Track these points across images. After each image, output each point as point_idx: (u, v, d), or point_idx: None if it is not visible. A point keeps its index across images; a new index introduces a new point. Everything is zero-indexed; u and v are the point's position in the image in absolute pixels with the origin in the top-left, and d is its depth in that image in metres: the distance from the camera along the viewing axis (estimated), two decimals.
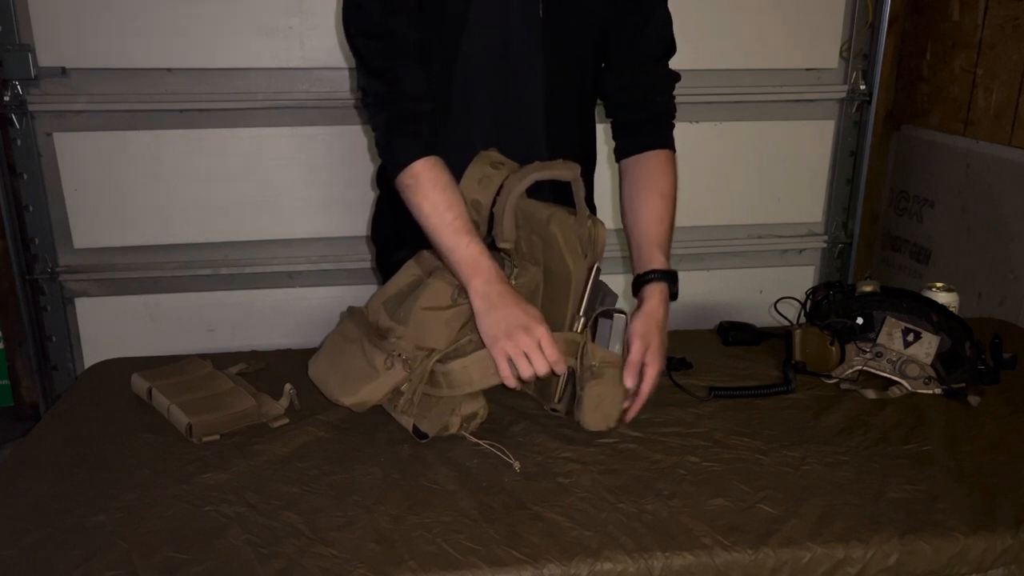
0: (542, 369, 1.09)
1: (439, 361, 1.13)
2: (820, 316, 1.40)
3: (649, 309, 1.20)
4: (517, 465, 1.09)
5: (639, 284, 1.24)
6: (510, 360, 1.09)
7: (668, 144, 1.34)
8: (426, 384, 1.14)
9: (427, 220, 1.17)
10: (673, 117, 1.36)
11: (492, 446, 1.13)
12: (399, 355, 1.11)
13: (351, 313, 1.24)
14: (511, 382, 1.11)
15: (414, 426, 1.15)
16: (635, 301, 1.24)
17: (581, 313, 1.16)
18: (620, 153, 1.36)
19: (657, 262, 1.24)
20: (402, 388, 1.14)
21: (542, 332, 1.09)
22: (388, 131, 1.21)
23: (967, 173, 2.28)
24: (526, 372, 1.09)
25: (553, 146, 1.34)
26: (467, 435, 1.15)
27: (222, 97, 2.20)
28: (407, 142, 1.20)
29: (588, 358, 1.13)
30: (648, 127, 1.34)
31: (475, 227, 1.18)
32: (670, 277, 1.24)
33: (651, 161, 1.32)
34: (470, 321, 1.14)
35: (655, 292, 1.22)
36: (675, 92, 1.37)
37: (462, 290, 1.14)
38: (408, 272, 1.23)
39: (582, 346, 1.14)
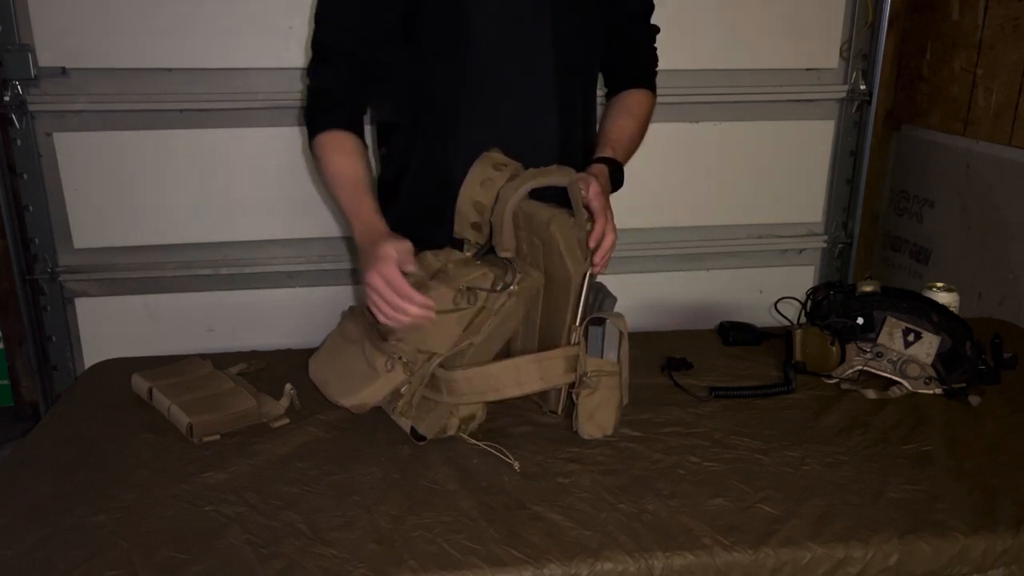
0: (394, 298, 1.09)
1: (441, 366, 1.13)
2: (820, 316, 1.40)
3: (596, 170, 1.25)
4: (517, 465, 1.09)
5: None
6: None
7: (648, 86, 1.48)
8: (425, 387, 1.14)
9: (329, 183, 1.31)
10: (655, 66, 1.51)
11: (491, 447, 1.13)
12: (400, 358, 1.11)
13: (352, 312, 1.24)
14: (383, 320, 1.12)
15: (412, 428, 1.15)
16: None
17: (577, 323, 1.15)
18: (609, 95, 1.50)
19: (602, 152, 1.33)
20: (402, 390, 1.14)
21: (392, 257, 1.11)
22: (309, 109, 1.35)
23: (967, 173, 2.28)
24: (380, 317, 1.11)
25: (563, 130, 1.37)
26: (465, 436, 1.15)
27: (222, 97, 2.20)
28: (320, 118, 1.33)
29: (581, 367, 1.14)
30: (632, 75, 1.48)
31: (371, 187, 1.27)
32: (611, 162, 1.30)
33: (629, 93, 1.46)
34: (472, 325, 1.14)
35: (594, 167, 1.28)
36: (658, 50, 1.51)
37: (464, 294, 1.14)
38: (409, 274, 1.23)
39: (577, 352, 1.14)
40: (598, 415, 1.16)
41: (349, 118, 1.34)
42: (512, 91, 1.34)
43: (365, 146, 1.34)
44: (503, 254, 1.19)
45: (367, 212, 1.23)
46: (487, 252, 1.24)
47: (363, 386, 1.12)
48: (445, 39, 1.30)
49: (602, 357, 1.15)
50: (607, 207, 1.18)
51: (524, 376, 1.13)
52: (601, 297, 1.21)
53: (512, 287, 1.15)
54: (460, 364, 1.13)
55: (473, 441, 1.14)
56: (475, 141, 1.29)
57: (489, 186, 1.21)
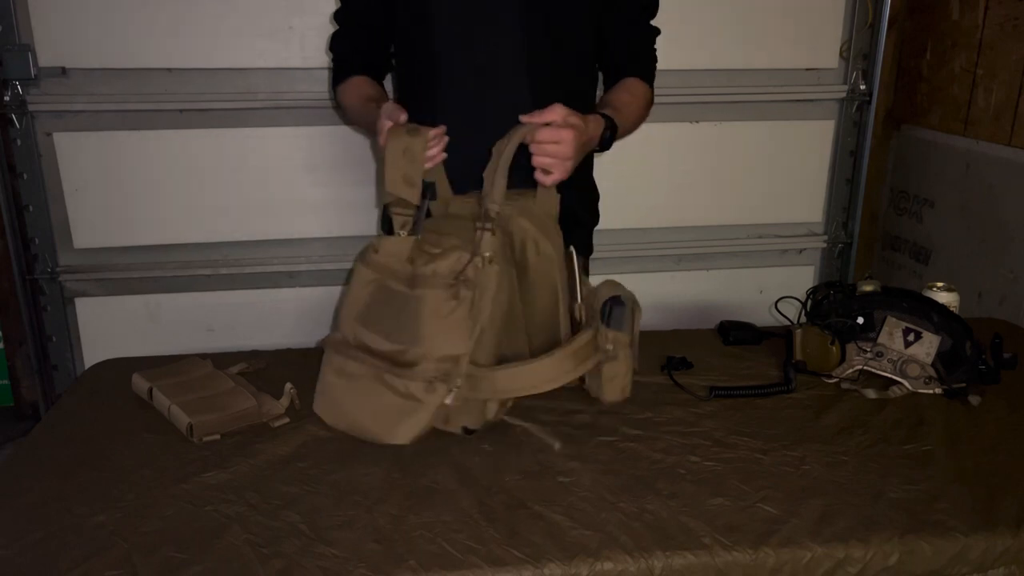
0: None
1: (476, 364, 1.13)
2: (820, 316, 1.40)
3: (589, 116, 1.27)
4: (557, 445, 1.13)
5: None
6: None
7: (647, 78, 1.50)
8: (467, 388, 1.14)
9: (352, 115, 1.48)
10: (654, 64, 1.53)
11: (532, 427, 1.17)
12: (435, 377, 1.12)
13: (333, 349, 1.20)
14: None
15: (463, 427, 1.16)
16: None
17: (581, 300, 1.22)
18: (607, 87, 1.51)
19: (600, 110, 1.34)
20: (447, 401, 1.13)
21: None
22: (333, 74, 1.51)
23: (967, 173, 2.28)
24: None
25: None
26: (507, 418, 1.19)
27: (222, 97, 2.20)
28: (339, 74, 1.49)
29: (603, 342, 1.21)
30: (631, 70, 1.49)
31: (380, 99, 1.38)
32: (608, 119, 1.32)
33: (623, 80, 1.48)
34: (473, 310, 1.13)
35: (588, 115, 1.28)
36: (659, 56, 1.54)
37: (458, 285, 1.12)
38: (363, 279, 1.20)
39: (595, 332, 1.20)
40: (619, 379, 1.24)
41: (368, 73, 1.47)
42: (482, 81, 1.39)
43: (383, 88, 1.48)
44: (491, 206, 1.16)
45: (371, 110, 1.32)
46: (416, 222, 1.22)
47: (408, 417, 1.13)
48: (411, 28, 1.40)
49: (621, 330, 1.22)
50: (571, 121, 1.20)
51: (562, 369, 1.17)
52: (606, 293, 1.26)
53: (487, 254, 1.13)
54: (480, 353, 1.13)
55: (514, 421, 1.18)
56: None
57: (411, 156, 1.19)
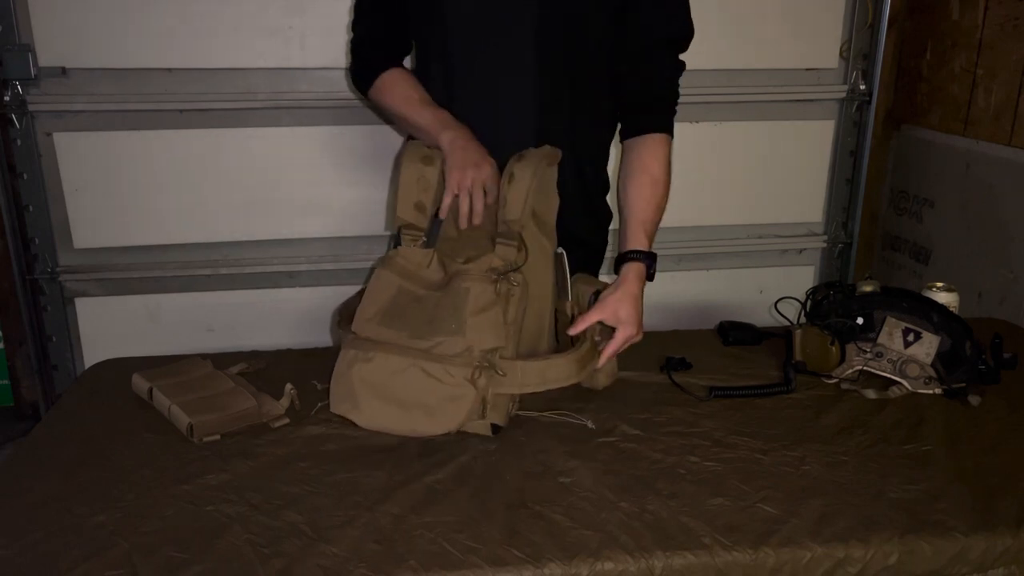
0: (478, 206, 1.23)
1: (504, 357, 1.15)
2: (820, 316, 1.40)
3: (626, 287, 1.27)
4: (590, 423, 1.19)
5: (620, 262, 1.31)
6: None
7: (665, 128, 1.39)
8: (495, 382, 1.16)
9: (398, 111, 1.38)
10: (675, 103, 1.42)
11: (563, 414, 1.22)
12: (479, 366, 1.13)
13: (352, 346, 1.19)
14: (461, 221, 1.24)
15: (492, 424, 1.17)
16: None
17: (570, 298, 1.27)
18: (622, 134, 1.43)
19: (639, 243, 1.31)
20: (486, 396, 1.15)
21: (488, 172, 1.24)
22: (354, 63, 1.45)
23: (967, 173, 2.28)
24: (464, 209, 1.23)
25: (542, 128, 1.37)
26: (547, 414, 1.23)
27: (222, 97, 2.20)
28: (366, 68, 1.42)
29: (592, 334, 1.24)
30: (647, 110, 1.40)
31: (433, 103, 1.34)
32: (649, 258, 1.31)
33: (646, 144, 1.37)
34: (508, 305, 1.17)
35: (631, 271, 1.29)
36: (680, 82, 1.43)
37: (502, 281, 1.16)
38: (386, 282, 1.21)
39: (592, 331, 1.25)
40: (607, 366, 1.29)
41: (394, 61, 1.42)
42: (491, 85, 1.37)
43: (419, 83, 1.42)
44: (513, 224, 1.20)
45: (451, 119, 1.31)
46: (429, 239, 1.25)
47: (456, 403, 1.13)
48: (423, 22, 1.37)
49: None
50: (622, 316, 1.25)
51: (580, 366, 1.19)
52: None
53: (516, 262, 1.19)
54: (508, 348, 1.16)
55: (540, 413, 1.22)
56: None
57: (424, 184, 1.23)
